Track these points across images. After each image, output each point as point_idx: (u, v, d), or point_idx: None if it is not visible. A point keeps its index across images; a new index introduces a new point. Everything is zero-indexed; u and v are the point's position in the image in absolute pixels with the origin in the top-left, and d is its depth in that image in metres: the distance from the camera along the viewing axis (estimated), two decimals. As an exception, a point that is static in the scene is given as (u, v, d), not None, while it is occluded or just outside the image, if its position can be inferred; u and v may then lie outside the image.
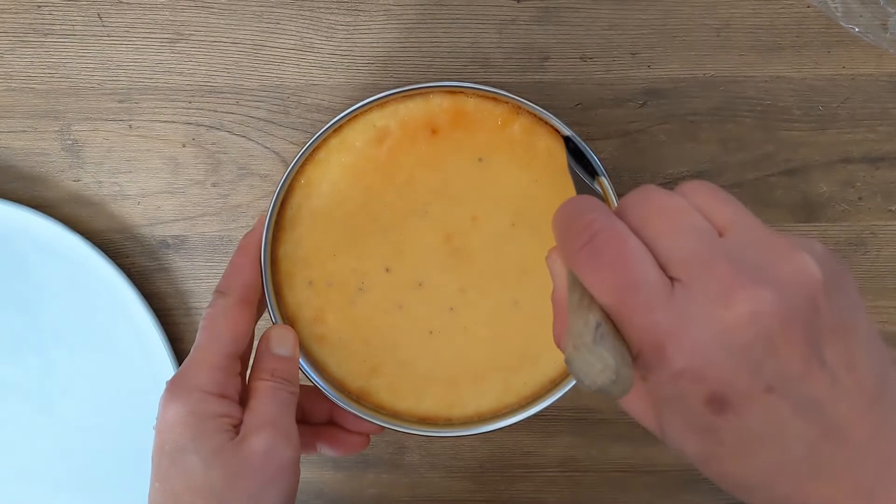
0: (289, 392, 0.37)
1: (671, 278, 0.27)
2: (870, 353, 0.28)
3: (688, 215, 0.28)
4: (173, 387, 0.36)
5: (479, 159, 0.41)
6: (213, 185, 0.47)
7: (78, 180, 0.47)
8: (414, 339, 0.42)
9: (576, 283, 0.29)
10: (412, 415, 0.43)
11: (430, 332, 0.42)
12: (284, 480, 0.35)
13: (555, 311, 0.32)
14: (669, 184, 0.46)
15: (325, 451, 0.42)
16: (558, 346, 0.31)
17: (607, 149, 0.46)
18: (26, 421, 0.49)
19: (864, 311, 0.28)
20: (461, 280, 0.42)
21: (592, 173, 0.41)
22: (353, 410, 0.42)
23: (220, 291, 0.38)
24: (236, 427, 0.36)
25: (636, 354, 0.27)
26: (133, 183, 0.47)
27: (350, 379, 0.42)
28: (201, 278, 0.48)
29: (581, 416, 0.48)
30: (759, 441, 0.27)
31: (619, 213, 0.29)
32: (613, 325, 0.27)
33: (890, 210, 0.47)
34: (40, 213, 0.45)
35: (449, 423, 0.43)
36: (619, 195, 0.46)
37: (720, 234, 0.28)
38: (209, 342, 0.37)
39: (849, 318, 0.28)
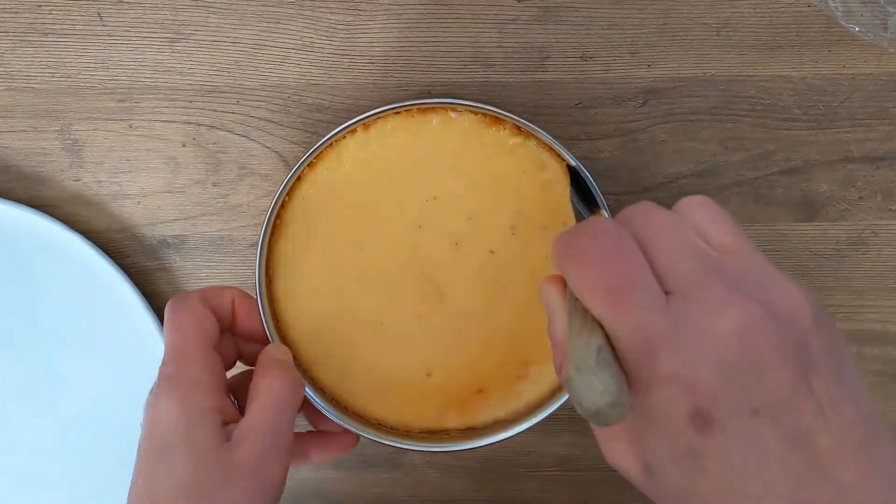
0: (291, 397, 0.37)
1: (666, 292, 0.27)
2: (857, 398, 0.27)
3: (687, 234, 0.29)
4: (163, 380, 0.35)
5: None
6: (214, 184, 0.47)
7: (78, 180, 0.47)
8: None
9: (576, 309, 0.29)
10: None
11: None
12: (271, 491, 0.35)
13: (553, 344, 0.32)
14: (669, 183, 0.46)
15: (316, 457, 0.42)
16: (559, 375, 0.31)
17: (607, 148, 0.46)
18: (26, 421, 0.49)
19: (851, 359, 0.29)
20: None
21: (590, 204, 0.41)
22: (350, 427, 0.42)
23: (180, 293, 0.39)
24: (227, 423, 0.35)
25: (624, 361, 0.27)
26: (133, 182, 0.47)
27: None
28: (201, 278, 0.48)
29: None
30: (743, 472, 0.26)
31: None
32: (613, 351, 0.27)
33: (890, 209, 0.47)
34: (41, 212, 0.45)
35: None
36: (619, 194, 0.46)
37: (717, 254, 0.29)
38: (182, 339, 0.37)
39: (837, 359, 0.28)
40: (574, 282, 0.29)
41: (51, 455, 0.49)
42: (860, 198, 0.47)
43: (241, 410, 0.37)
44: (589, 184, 0.41)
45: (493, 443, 0.43)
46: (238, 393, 0.40)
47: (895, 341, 0.48)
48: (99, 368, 0.48)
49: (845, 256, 0.47)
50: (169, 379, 0.36)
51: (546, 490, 0.50)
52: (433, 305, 0.42)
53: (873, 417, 0.28)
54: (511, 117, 0.40)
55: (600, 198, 0.41)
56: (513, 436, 0.42)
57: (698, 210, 0.30)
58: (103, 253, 0.46)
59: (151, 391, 0.36)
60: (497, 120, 0.41)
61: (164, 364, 0.36)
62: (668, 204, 0.46)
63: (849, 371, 0.28)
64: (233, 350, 0.41)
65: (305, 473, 0.50)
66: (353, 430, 0.42)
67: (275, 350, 0.39)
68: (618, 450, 0.29)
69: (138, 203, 0.47)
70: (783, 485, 0.26)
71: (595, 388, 0.26)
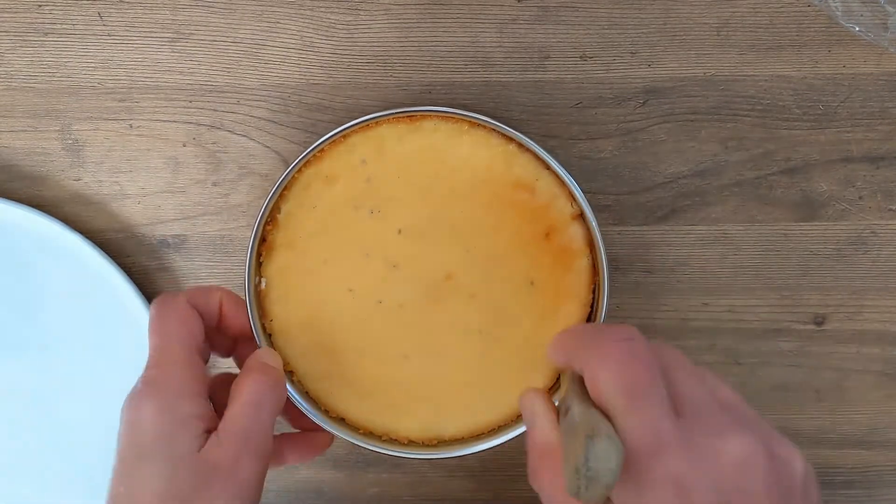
0: (272, 397, 0.37)
1: (678, 414, 0.30)
2: None
3: (704, 375, 0.32)
4: (146, 384, 0.35)
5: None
6: (214, 184, 0.47)
7: (78, 179, 0.47)
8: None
9: (581, 402, 0.31)
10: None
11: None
12: (248, 492, 0.35)
13: (534, 453, 0.33)
14: (670, 183, 0.46)
15: (291, 458, 0.42)
16: (532, 481, 0.33)
17: (607, 148, 0.46)
18: (26, 421, 0.49)
19: None
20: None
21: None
22: (334, 431, 0.42)
23: (166, 293, 0.38)
24: (208, 430, 0.35)
25: (630, 455, 0.28)
26: (133, 182, 0.47)
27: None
28: (202, 278, 0.48)
29: (582, 415, 0.48)
30: None
31: None
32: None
33: (890, 209, 0.47)
34: (41, 212, 0.45)
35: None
36: (619, 194, 0.46)
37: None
38: (166, 342, 0.37)
39: None
40: (595, 375, 0.30)
41: (51, 455, 0.49)
42: (860, 198, 0.47)
43: (219, 411, 0.37)
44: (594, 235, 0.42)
45: (491, 447, 0.43)
46: (217, 393, 0.39)
47: (895, 341, 0.48)
48: (99, 368, 0.48)
49: (845, 256, 0.47)
50: (152, 384, 0.35)
51: (546, 490, 0.50)
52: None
53: None
54: (521, 137, 0.41)
55: (587, 204, 0.41)
56: (513, 437, 0.42)
57: (706, 372, 0.33)
58: (103, 253, 0.46)
59: (132, 393, 0.35)
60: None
61: (147, 367, 0.36)
62: (667, 203, 0.46)
63: None
64: (224, 346, 0.41)
65: (305, 473, 0.50)
66: (340, 434, 0.42)
67: (265, 354, 0.39)
68: None
69: (138, 203, 0.47)
70: None
71: (609, 456, 0.27)
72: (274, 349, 0.42)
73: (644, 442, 0.28)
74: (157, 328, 0.37)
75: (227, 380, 0.39)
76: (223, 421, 0.35)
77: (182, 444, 0.34)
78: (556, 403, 0.35)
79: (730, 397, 0.32)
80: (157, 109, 0.46)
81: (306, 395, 0.43)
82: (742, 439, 0.29)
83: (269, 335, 0.43)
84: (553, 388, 0.44)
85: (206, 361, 0.40)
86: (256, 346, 0.41)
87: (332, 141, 0.41)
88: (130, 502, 0.34)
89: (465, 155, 0.41)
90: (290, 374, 0.43)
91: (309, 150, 0.41)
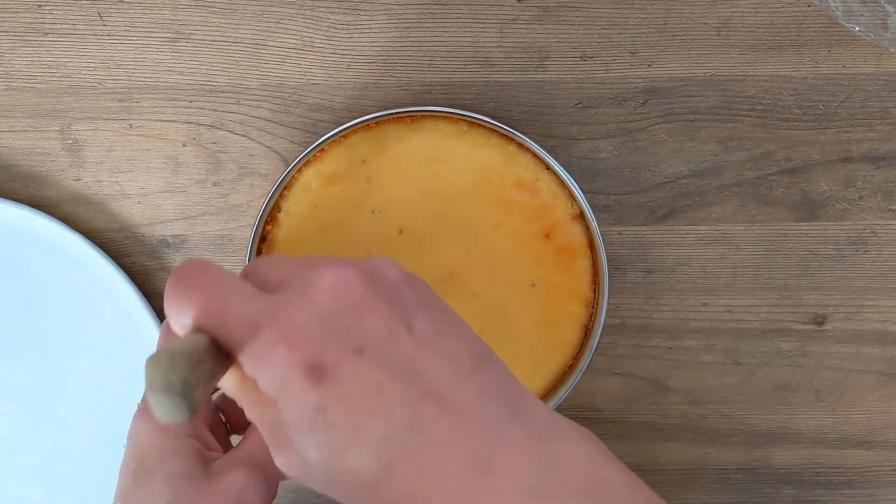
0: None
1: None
2: (461, 333, 0.30)
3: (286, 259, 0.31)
4: (144, 401, 0.35)
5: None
6: (214, 184, 0.47)
7: (78, 179, 0.47)
8: None
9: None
10: None
11: None
12: None
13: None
14: (670, 183, 0.46)
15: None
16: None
17: (607, 148, 0.46)
18: (26, 421, 0.49)
19: (447, 306, 0.31)
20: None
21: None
22: None
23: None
24: (207, 452, 0.34)
25: (236, 349, 0.28)
26: (133, 182, 0.47)
27: None
28: (201, 278, 0.48)
29: (583, 414, 0.48)
30: (366, 414, 0.27)
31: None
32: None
33: (890, 209, 0.47)
34: (40, 212, 0.45)
35: None
36: (619, 194, 0.46)
37: None
38: None
39: (433, 305, 0.30)
40: (172, 309, 0.29)
41: (51, 455, 0.49)
42: (860, 198, 0.47)
43: (228, 428, 0.37)
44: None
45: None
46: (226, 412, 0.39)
47: (895, 341, 0.48)
48: (98, 368, 0.48)
49: (845, 256, 0.47)
50: None
51: (546, 490, 0.50)
52: None
53: (479, 347, 0.30)
54: (526, 140, 0.41)
55: (587, 204, 0.41)
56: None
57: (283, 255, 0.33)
58: (103, 253, 0.46)
59: (137, 410, 0.35)
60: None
61: None
62: (667, 203, 0.46)
63: (447, 314, 0.30)
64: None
65: (305, 473, 0.50)
66: None
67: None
68: (283, 458, 0.29)
69: (138, 203, 0.47)
70: (403, 416, 0.27)
71: (178, 407, 0.26)
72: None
73: (242, 328, 0.28)
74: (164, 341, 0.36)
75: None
76: (239, 447, 0.34)
77: (179, 465, 0.33)
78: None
79: (318, 261, 0.31)
80: (156, 109, 0.46)
81: None
82: (332, 269, 0.29)
83: None
84: (551, 389, 0.44)
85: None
86: None
87: (332, 141, 0.41)
88: None
89: (465, 155, 0.42)
90: None
91: (309, 150, 0.41)
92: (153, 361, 0.26)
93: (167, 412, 0.26)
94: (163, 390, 0.26)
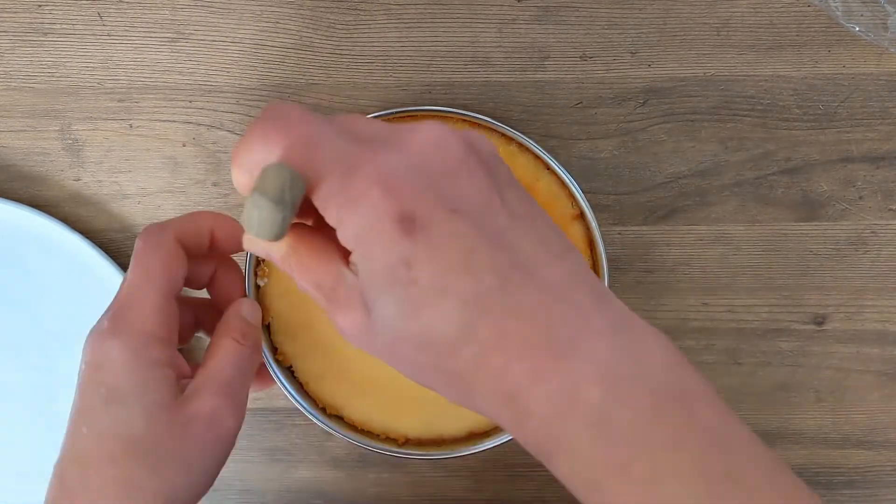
0: (251, 360, 0.35)
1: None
2: (548, 220, 0.29)
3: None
4: (114, 322, 0.32)
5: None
6: (214, 184, 0.47)
7: (78, 179, 0.47)
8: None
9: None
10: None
11: None
12: (220, 450, 0.33)
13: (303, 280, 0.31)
14: (670, 183, 0.46)
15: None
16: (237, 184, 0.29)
17: (607, 148, 0.46)
18: (26, 421, 0.49)
19: (535, 200, 0.30)
20: None
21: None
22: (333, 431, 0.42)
23: (156, 225, 0.35)
24: (179, 382, 0.33)
25: (323, 190, 0.27)
26: (133, 182, 0.47)
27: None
28: (201, 278, 0.48)
29: (581, 415, 0.48)
30: (453, 273, 0.26)
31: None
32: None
33: (890, 209, 0.47)
34: (40, 212, 0.45)
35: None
36: (619, 194, 0.46)
37: None
38: (145, 280, 0.33)
39: (521, 186, 0.29)
40: (259, 142, 0.28)
41: (51, 455, 0.49)
42: (860, 198, 0.47)
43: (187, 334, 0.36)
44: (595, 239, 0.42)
45: (491, 447, 0.43)
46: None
47: (895, 341, 0.48)
48: (99, 368, 0.48)
49: (845, 256, 0.47)
50: (121, 322, 0.33)
51: (546, 490, 0.50)
52: None
53: (565, 237, 0.29)
54: (527, 140, 0.40)
55: (587, 204, 0.41)
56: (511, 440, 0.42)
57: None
58: (103, 253, 0.46)
59: (97, 329, 0.33)
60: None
61: (118, 303, 0.33)
62: (667, 203, 0.46)
63: (533, 200, 0.30)
64: (201, 279, 0.38)
65: (305, 473, 0.50)
66: (339, 434, 0.42)
67: (247, 308, 0.36)
68: (347, 319, 0.29)
69: (138, 203, 0.47)
70: (490, 281, 0.26)
71: (273, 224, 0.26)
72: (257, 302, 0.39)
73: (336, 166, 0.27)
74: (138, 262, 0.34)
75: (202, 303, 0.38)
76: (200, 373, 0.33)
77: (155, 392, 0.32)
78: None
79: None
80: (156, 109, 0.46)
81: (305, 392, 0.43)
82: (431, 126, 0.28)
83: (269, 331, 0.43)
84: None
85: (203, 287, 0.38)
86: (234, 274, 0.38)
87: None
88: (93, 444, 0.32)
89: None
90: (275, 350, 0.43)
91: None
92: (275, 168, 0.25)
93: (261, 224, 0.26)
94: (274, 200, 0.25)
